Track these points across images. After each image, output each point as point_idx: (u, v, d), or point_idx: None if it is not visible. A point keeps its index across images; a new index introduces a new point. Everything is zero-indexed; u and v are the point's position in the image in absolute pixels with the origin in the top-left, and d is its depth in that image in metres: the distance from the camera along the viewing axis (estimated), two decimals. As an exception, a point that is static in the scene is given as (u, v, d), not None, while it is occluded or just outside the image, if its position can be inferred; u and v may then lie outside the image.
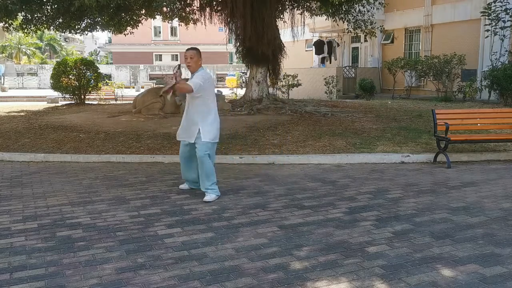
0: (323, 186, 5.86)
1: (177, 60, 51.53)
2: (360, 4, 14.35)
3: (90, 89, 17.08)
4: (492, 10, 15.39)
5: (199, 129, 5.15)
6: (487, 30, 15.74)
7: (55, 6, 12.54)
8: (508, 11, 15.15)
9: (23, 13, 12.77)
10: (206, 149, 5.17)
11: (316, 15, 15.69)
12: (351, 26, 15.49)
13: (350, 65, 24.21)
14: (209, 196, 5.18)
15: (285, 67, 14.90)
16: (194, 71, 5.20)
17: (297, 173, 6.62)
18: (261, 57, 12.55)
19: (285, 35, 14.68)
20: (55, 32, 16.13)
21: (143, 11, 14.72)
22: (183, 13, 15.23)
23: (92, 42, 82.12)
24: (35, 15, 13.22)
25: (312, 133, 9.16)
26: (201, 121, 5.17)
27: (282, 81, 18.20)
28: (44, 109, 14.92)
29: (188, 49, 5.29)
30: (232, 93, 24.76)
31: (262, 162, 7.35)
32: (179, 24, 16.70)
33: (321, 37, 24.64)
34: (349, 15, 14.93)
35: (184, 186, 5.72)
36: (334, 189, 5.67)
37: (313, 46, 24.34)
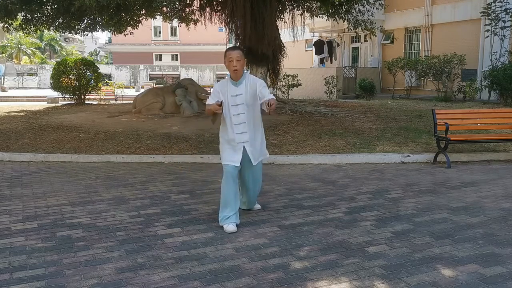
0: (323, 186, 5.85)
1: (177, 60, 51.49)
2: (360, 4, 14.36)
3: (90, 89, 17.10)
4: (492, 10, 15.41)
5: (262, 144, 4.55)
6: (487, 30, 15.75)
7: (55, 6, 12.55)
8: (508, 11, 15.17)
9: (23, 13, 12.78)
10: None
11: (317, 16, 15.70)
12: (351, 25, 15.50)
13: (350, 65, 24.22)
14: (258, 203, 4.91)
15: (285, 67, 14.89)
16: (239, 78, 4.29)
17: (297, 173, 6.62)
18: (261, 57, 12.53)
19: (285, 35, 14.68)
20: (55, 32, 16.14)
21: (143, 11, 14.72)
22: (183, 13, 15.23)
23: (92, 42, 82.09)
24: (35, 15, 13.23)
25: (312, 133, 9.16)
26: (263, 134, 4.57)
27: (282, 81, 18.19)
28: (44, 109, 14.92)
29: (232, 49, 4.34)
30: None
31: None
32: (178, 25, 16.71)
33: (321, 37, 24.63)
34: (349, 15, 14.95)
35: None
36: (334, 189, 5.67)
37: (313, 46, 24.34)
